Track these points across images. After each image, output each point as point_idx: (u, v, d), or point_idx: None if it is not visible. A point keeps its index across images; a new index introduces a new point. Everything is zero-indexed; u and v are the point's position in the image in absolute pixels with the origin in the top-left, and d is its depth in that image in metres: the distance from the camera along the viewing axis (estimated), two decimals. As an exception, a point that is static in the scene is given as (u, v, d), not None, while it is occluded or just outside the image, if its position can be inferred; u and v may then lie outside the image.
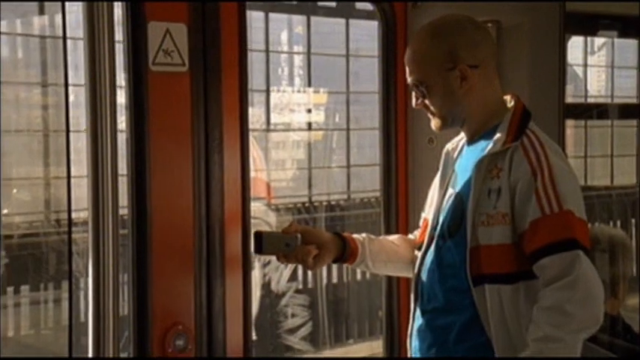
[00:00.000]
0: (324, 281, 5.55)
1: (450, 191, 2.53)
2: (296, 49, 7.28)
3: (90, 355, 2.12)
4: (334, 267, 5.86)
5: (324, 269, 5.56)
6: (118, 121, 2.32)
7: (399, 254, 2.71)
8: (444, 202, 2.53)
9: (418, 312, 2.55)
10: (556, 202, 2.27)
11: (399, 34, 3.41)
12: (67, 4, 2.59)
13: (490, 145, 2.40)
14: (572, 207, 2.28)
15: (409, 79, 2.49)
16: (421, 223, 2.68)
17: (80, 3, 2.41)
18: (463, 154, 2.55)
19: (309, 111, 6.74)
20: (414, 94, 2.50)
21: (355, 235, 2.69)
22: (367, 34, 6.33)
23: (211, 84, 2.88)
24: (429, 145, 3.30)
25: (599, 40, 6.83)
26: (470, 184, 2.40)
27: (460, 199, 2.45)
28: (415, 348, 2.55)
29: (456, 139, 2.59)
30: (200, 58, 2.85)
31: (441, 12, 3.27)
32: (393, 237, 2.81)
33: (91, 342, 2.09)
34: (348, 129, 7.02)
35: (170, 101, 2.81)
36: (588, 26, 3.97)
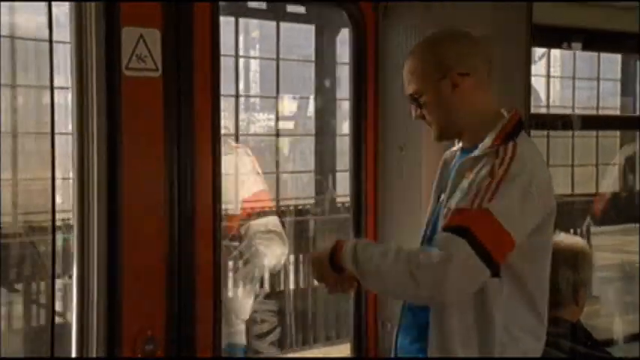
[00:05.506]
0: (292, 286, 5.60)
1: (442, 196, 2.60)
2: (262, 54, 7.31)
3: (73, 354, 2.14)
4: (302, 272, 5.91)
5: (291, 274, 5.62)
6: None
7: None
8: (438, 206, 2.60)
9: (406, 309, 2.61)
10: (486, 201, 2.33)
11: (369, 41, 3.45)
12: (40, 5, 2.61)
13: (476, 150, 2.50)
14: (497, 213, 2.32)
15: (406, 92, 2.59)
16: None
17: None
18: (456, 161, 2.62)
19: (277, 118, 6.78)
20: (412, 106, 2.59)
21: None
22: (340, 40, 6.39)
23: (184, 89, 2.90)
24: (399, 153, 3.34)
25: (539, 51, 6.97)
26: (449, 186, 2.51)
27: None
28: (400, 344, 2.61)
29: (454, 148, 2.66)
30: (173, 63, 2.87)
31: (410, 21, 3.33)
32: None
33: (74, 342, 2.10)
34: (315, 135, 7.03)
35: (143, 106, 2.83)
36: (554, 38, 4.06)
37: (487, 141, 2.48)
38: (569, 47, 3.98)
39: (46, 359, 2.67)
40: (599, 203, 6.81)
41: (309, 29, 6.70)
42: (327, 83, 6.73)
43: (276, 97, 6.75)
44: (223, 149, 3.36)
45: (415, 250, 2.37)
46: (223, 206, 3.18)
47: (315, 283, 5.81)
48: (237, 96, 6.38)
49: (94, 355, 2.74)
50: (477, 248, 2.29)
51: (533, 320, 2.51)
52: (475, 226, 2.30)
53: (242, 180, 3.87)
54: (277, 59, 6.44)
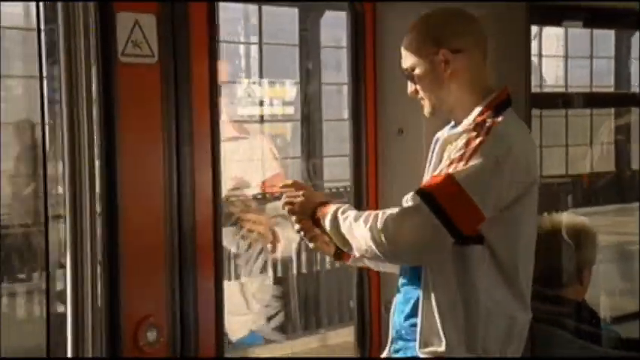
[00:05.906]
0: (295, 271, 5.61)
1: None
2: (252, 39, 7.22)
3: (69, 351, 2.11)
4: (305, 257, 5.90)
5: (295, 260, 5.63)
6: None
7: None
8: None
9: (399, 285, 2.66)
10: (455, 170, 2.40)
11: (367, 23, 3.42)
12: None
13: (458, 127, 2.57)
14: (462, 181, 2.38)
15: (403, 67, 2.66)
16: None
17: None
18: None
19: (262, 103, 6.75)
20: (408, 82, 2.66)
21: None
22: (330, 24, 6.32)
23: (181, 75, 2.85)
24: (398, 135, 3.33)
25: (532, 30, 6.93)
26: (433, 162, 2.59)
27: None
28: (396, 322, 2.66)
29: (446, 127, 2.69)
30: (169, 49, 2.82)
31: (408, 1, 3.30)
32: None
33: (70, 337, 2.07)
34: (302, 120, 6.97)
35: (140, 93, 2.78)
36: (552, 17, 4.04)
37: (471, 116, 2.54)
38: (571, 25, 3.95)
39: (44, 359, 2.63)
40: (584, 183, 6.80)
41: (294, 12, 6.64)
42: (312, 67, 6.66)
43: (257, 82, 6.69)
44: (239, 133, 3.40)
45: (385, 210, 2.45)
46: (245, 191, 3.19)
47: (318, 267, 5.87)
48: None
49: (92, 344, 2.69)
50: (435, 210, 2.36)
51: (506, 290, 2.52)
52: (437, 191, 2.38)
53: (260, 163, 3.93)
54: (260, 43, 6.36)
